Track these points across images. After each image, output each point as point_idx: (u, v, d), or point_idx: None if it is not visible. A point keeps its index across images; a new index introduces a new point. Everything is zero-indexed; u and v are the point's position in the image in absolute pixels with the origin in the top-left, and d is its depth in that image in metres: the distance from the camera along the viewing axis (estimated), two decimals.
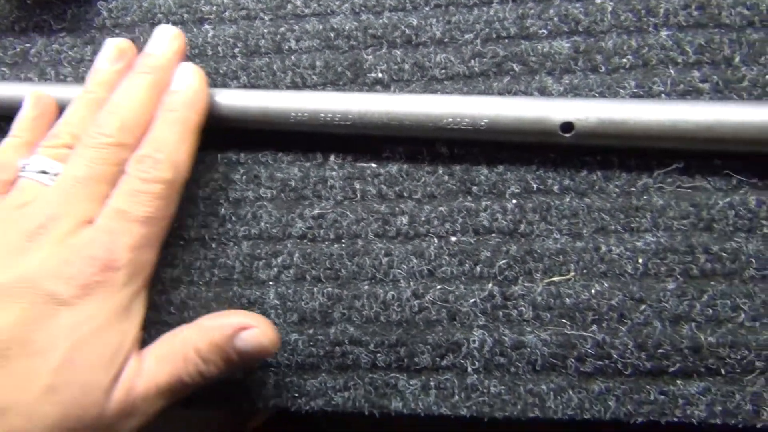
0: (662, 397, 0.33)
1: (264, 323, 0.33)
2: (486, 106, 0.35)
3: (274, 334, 0.33)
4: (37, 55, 0.43)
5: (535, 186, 0.36)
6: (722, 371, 0.33)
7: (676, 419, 0.33)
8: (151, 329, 0.37)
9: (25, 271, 0.31)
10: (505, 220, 0.36)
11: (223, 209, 0.39)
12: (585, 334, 0.34)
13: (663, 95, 0.36)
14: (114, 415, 0.31)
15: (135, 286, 0.33)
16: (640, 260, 0.34)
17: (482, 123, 0.35)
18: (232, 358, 0.32)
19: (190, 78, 0.36)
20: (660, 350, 0.33)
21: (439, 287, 0.36)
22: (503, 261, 0.36)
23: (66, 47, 0.43)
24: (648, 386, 0.33)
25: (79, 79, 0.42)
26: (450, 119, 0.35)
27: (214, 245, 0.38)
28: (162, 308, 0.38)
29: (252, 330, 0.32)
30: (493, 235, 0.36)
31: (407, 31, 0.40)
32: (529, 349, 0.34)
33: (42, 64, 0.43)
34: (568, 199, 0.36)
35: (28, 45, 0.44)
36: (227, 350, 0.32)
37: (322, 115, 0.37)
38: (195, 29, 0.42)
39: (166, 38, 0.37)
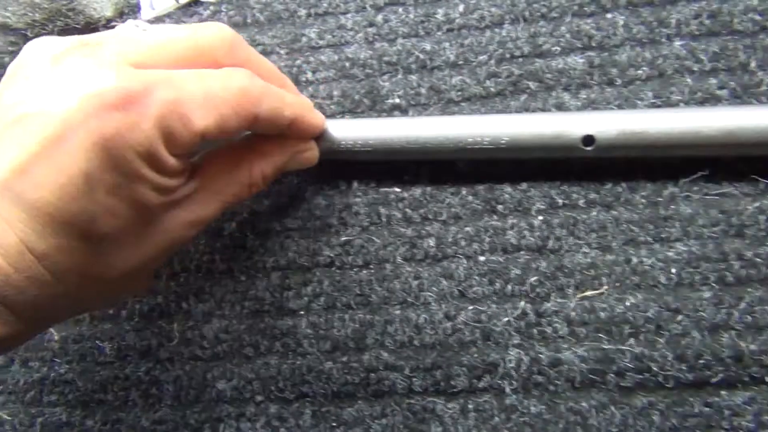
0: (707, 409, 0.31)
1: (313, 143, 0.33)
2: (506, 123, 0.33)
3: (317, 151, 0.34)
4: None
5: (560, 201, 0.35)
6: (766, 379, 0.31)
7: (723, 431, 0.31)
8: (185, 365, 0.36)
9: None
10: (532, 237, 0.34)
11: (250, 241, 0.37)
12: (623, 347, 0.32)
13: (681, 104, 0.34)
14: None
15: None
16: (673, 270, 0.32)
17: (503, 141, 0.33)
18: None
19: None
20: (701, 361, 0.31)
21: (470, 308, 0.34)
22: (534, 278, 0.34)
23: None
24: (691, 398, 0.31)
25: None
26: (471, 139, 0.33)
27: (243, 278, 0.37)
28: (194, 342, 0.36)
29: (308, 152, 0.33)
30: (522, 252, 0.34)
31: (421, 56, 0.38)
32: (566, 366, 0.32)
33: None
34: (594, 213, 0.34)
35: None
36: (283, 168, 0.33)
37: (344, 143, 0.35)
38: None
39: None
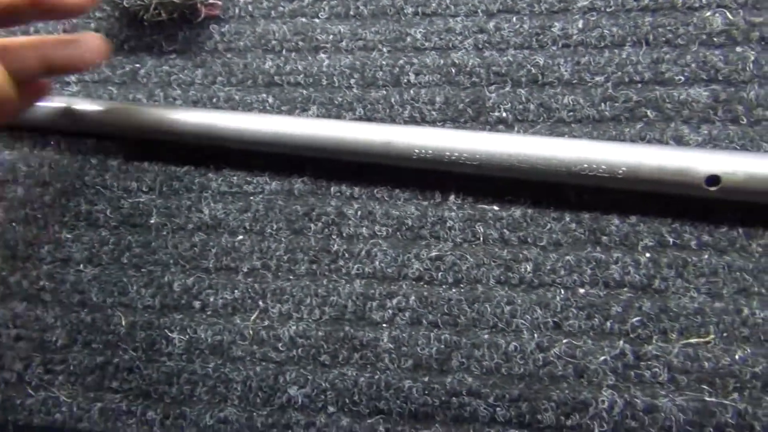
0: None
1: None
2: (626, 153, 0.35)
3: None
4: (147, 76, 0.44)
5: (670, 240, 0.36)
6: None
7: None
8: (257, 366, 0.37)
9: None
10: (637, 275, 0.36)
11: (335, 245, 0.39)
12: (725, 402, 0.33)
13: None
14: None
15: None
16: None
17: (620, 171, 0.35)
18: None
19: None
20: None
21: (565, 341, 0.35)
22: (636, 318, 0.35)
23: (176, 69, 0.44)
24: None
25: (189, 101, 0.43)
26: (585, 165, 0.35)
27: (325, 282, 0.38)
28: (268, 344, 0.38)
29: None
30: (625, 289, 0.36)
31: (533, 70, 0.40)
32: (663, 415, 0.34)
33: (151, 85, 0.44)
34: (706, 256, 0.35)
35: (137, 65, 0.44)
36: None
37: (448, 153, 0.37)
38: (310, 57, 0.43)
39: None
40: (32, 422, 0.39)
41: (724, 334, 0.34)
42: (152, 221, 0.41)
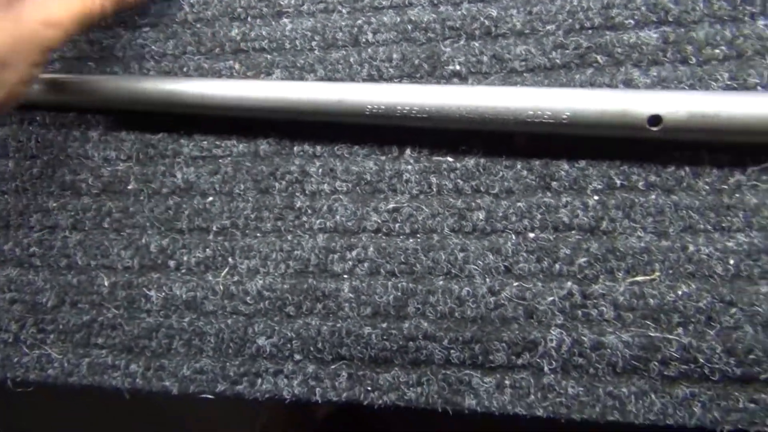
0: (752, 405, 0.33)
1: None
2: (568, 98, 0.36)
3: None
4: (122, 50, 0.47)
5: (618, 182, 0.37)
6: None
7: (767, 429, 0.33)
8: (228, 319, 0.41)
9: None
10: (586, 217, 0.37)
11: (299, 202, 0.41)
12: (670, 336, 0.35)
13: (759, 88, 0.36)
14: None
15: None
16: (731, 261, 0.35)
17: (564, 116, 0.36)
18: None
19: None
20: (751, 356, 0.34)
21: (516, 284, 0.37)
22: (583, 259, 0.37)
23: (149, 42, 0.47)
24: (737, 393, 0.34)
25: (161, 72, 0.46)
26: (531, 112, 0.36)
27: (290, 237, 0.41)
28: (238, 298, 0.41)
29: None
30: (573, 232, 0.37)
31: (486, 23, 0.41)
32: (609, 351, 0.35)
33: (127, 58, 0.47)
34: (653, 196, 0.37)
35: (113, 40, 0.48)
36: None
37: (399, 108, 0.38)
38: (273, 23, 0.45)
39: None
40: (28, 378, 0.43)
41: (670, 271, 0.35)
42: (130, 187, 0.44)
